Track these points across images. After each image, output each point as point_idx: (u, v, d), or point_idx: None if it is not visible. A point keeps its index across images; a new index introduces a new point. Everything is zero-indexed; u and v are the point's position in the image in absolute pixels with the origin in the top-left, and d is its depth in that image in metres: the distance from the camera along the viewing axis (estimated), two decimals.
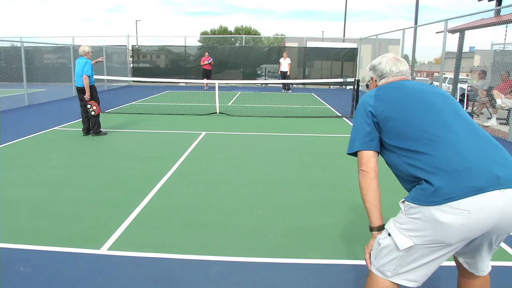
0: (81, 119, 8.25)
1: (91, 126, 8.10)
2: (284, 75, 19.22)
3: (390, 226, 1.97)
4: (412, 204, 1.84)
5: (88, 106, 7.91)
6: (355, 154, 2.10)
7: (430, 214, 1.75)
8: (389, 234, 1.93)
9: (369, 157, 2.03)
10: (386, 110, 2.00)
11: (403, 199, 1.93)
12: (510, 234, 1.85)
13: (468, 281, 2.16)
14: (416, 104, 1.97)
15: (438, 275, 2.92)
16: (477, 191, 1.68)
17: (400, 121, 1.94)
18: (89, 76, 7.78)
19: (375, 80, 2.27)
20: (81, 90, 7.99)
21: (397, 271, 1.90)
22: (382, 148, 2.06)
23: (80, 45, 8.13)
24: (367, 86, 2.48)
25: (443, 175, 1.74)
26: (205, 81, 18.03)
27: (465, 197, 1.68)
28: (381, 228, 2.06)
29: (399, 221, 1.91)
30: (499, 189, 1.67)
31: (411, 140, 1.88)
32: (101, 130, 8.18)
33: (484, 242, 1.89)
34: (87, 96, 7.85)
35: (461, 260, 2.13)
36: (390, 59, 2.24)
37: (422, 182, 1.81)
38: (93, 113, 7.94)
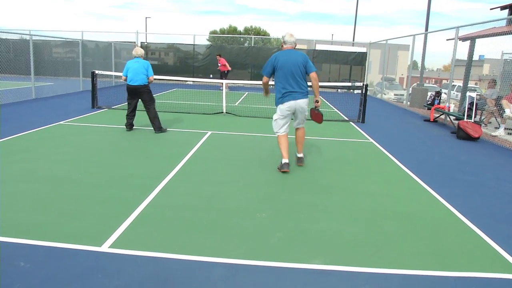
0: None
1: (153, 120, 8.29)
2: None
3: (275, 114, 5.88)
4: (279, 105, 5.80)
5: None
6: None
7: (282, 106, 5.75)
8: (273, 118, 5.95)
9: (267, 79, 5.90)
10: (278, 62, 5.66)
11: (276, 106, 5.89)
12: (301, 110, 5.81)
13: (296, 132, 6.14)
14: (286, 63, 5.63)
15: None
16: (292, 99, 5.69)
17: (279, 71, 5.66)
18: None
19: (282, 45, 5.90)
20: (135, 89, 8.13)
21: (277, 129, 5.90)
22: (273, 76, 5.84)
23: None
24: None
25: (285, 93, 5.68)
26: (220, 81, 17.46)
27: (288, 101, 5.70)
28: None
29: (277, 112, 5.85)
30: (294, 100, 5.70)
31: (279, 77, 5.69)
32: (161, 127, 8.34)
33: (297, 112, 5.84)
34: (151, 78, 8.29)
35: (294, 123, 6.05)
36: (289, 34, 5.78)
37: (280, 95, 5.73)
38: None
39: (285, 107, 5.68)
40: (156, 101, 8.46)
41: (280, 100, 5.72)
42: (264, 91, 6.15)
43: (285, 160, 5.74)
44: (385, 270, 3.20)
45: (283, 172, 5.72)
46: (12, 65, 14.98)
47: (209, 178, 5.40)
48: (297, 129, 6.13)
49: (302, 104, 5.72)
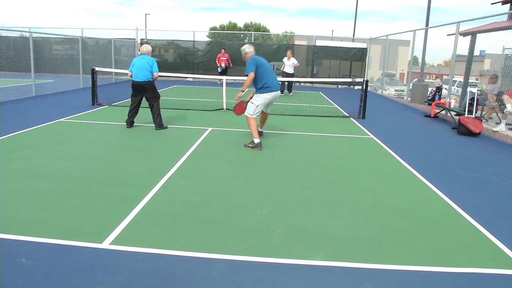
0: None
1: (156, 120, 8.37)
2: (288, 76, 17.64)
3: (255, 100, 7.15)
4: (263, 94, 7.10)
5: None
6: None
7: (264, 95, 7.10)
8: (255, 103, 7.12)
9: (254, 74, 6.95)
10: (259, 62, 7.04)
11: (256, 93, 7.29)
12: (275, 99, 7.29)
13: (264, 115, 7.84)
14: (265, 63, 7.15)
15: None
16: (274, 90, 7.17)
17: (261, 67, 7.02)
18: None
19: (245, 56, 7.27)
20: (139, 85, 8.19)
21: (255, 112, 7.10)
22: (256, 74, 6.98)
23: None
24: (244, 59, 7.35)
25: (270, 85, 7.07)
26: (218, 76, 18.04)
27: (270, 91, 7.10)
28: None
29: (256, 99, 7.15)
30: (275, 91, 7.17)
31: (263, 73, 7.04)
32: (162, 124, 8.46)
33: (272, 101, 7.33)
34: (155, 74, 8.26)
35: (267, 108, 7.64)
36: (248, 46, 7.37)
37: (266, 86, 7.05)
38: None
39: (269, 96, 7.15)
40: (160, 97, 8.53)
41: (265, 90, 7.10)
42: (246, 86, 7.03)
43: (258, 140, 7.09)
44: (386, 266, 3.20)
45: (259, 150, 7.00)
46: (12, 63, 14.94)
47: (210, 175, 5.40)
48: (265, 113, 7.76)
49: (278, 94, 7.40)
